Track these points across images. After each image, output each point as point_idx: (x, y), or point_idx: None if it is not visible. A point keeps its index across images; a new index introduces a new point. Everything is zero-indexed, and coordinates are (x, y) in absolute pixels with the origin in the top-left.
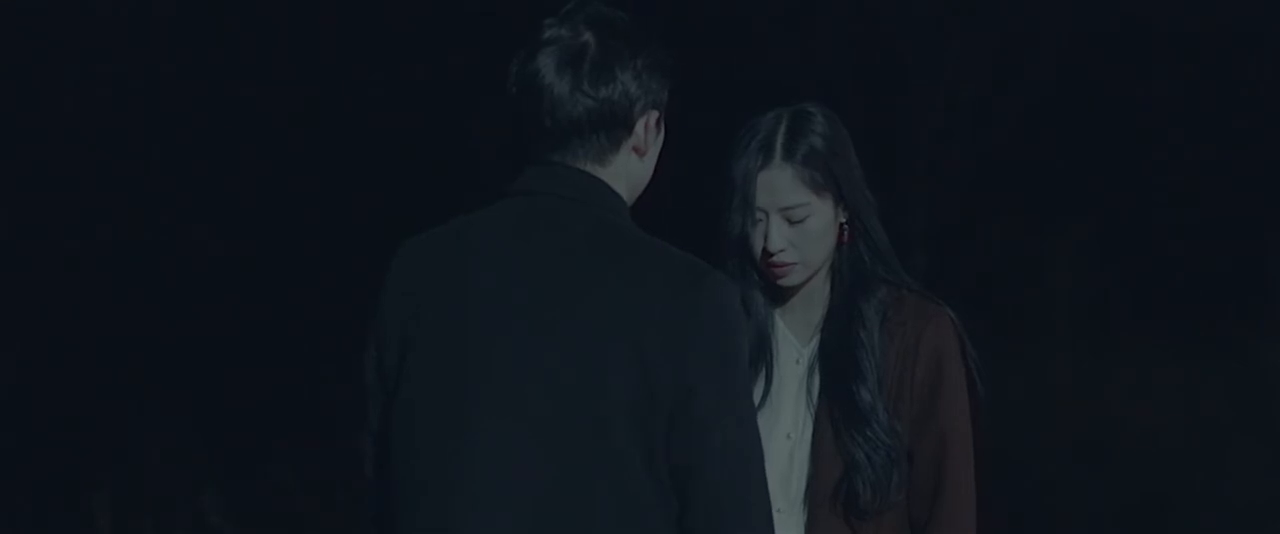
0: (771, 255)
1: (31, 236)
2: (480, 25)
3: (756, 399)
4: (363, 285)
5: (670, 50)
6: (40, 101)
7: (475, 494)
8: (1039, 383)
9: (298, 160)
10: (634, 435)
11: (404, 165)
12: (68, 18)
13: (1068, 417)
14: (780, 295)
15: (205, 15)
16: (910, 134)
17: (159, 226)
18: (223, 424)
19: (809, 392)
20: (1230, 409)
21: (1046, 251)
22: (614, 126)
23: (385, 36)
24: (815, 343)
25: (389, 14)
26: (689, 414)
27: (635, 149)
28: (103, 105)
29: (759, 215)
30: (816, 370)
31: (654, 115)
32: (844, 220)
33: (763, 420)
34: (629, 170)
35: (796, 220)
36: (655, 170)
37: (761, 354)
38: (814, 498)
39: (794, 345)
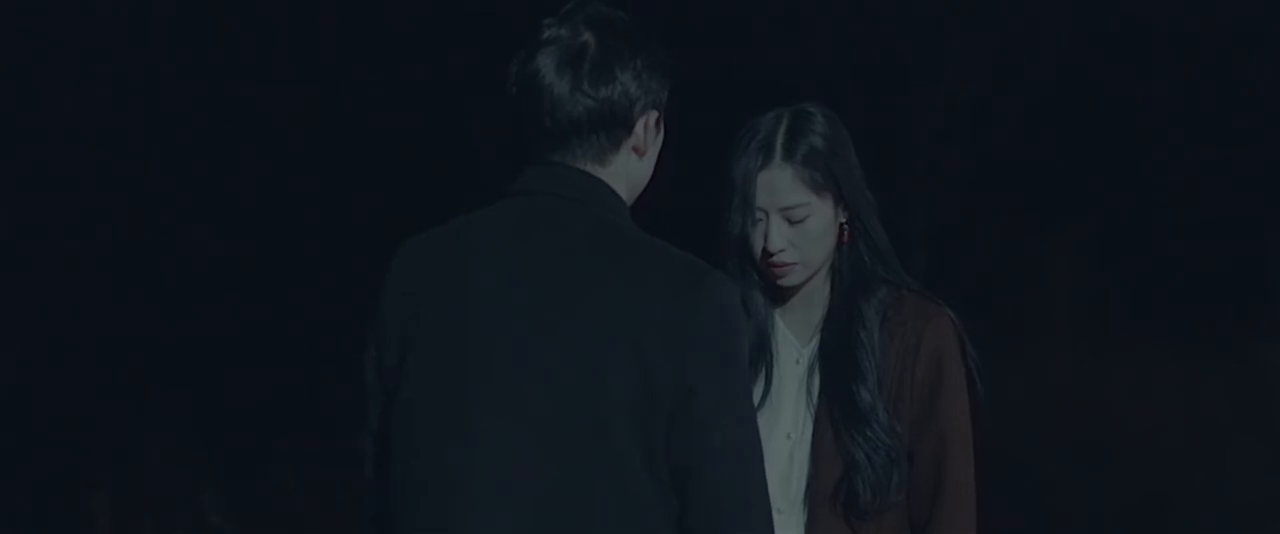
0: (771, 255)
1: (31, 236)
2: (480, 25)
3: (756, 399)
4: (363, 285)
5: (670, 50)
6: (40, 101)
7: (475, 494)
8: (1039, 383)
9: (298, 160)
10: (634, 435)
11: (404, 165)
12: (68, 18)
13: (1068, 417)
14: (780, 295)
15: (205, 15)
16: (910, 134)
17: (159, 226)
18: (223, 424)
19: (809, 392)
20: (1230, 409)
21: (1046, 251)
22: (614, 126)
23: (385, 36)
24: (815, 343)
25: (389, 14)
26: (689, 414)
27: (635, 149)
28: (103, 105)
29: (759, 215)
30: (816, 370)
31: (654, 115)
32: (844, 220)
33: (763, 420)
34: (629, 170)
35: (796, 220)
36: (655, 170)
37: (761, 354)
38: (814, 498)
39: (794, 345)
